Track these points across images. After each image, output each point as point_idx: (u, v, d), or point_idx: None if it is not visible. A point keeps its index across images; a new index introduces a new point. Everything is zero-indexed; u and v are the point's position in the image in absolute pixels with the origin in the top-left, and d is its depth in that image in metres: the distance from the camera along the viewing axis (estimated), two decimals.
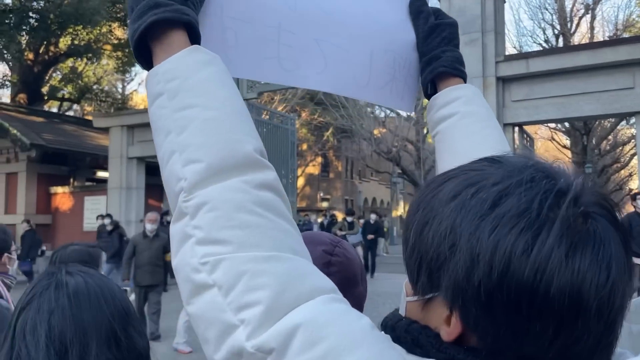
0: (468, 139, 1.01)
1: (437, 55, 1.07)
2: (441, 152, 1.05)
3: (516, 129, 9.08)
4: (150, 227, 7.35)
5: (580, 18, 23.11)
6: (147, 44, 0.76)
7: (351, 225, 14.74)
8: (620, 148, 26.24)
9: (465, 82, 1.08)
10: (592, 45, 9.74)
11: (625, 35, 20.80)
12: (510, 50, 18.75)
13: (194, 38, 0.76)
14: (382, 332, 0.62)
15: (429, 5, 1.15)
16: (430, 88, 1.10)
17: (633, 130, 8.58)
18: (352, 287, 1.12)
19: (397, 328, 0.63)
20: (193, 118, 0.68)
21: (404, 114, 26.35)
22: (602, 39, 19.92)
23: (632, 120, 8.73)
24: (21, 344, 0.95)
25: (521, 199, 0.54)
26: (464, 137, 1.02)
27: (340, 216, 28.71)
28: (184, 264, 0.62)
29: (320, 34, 1.01)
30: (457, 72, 1.06)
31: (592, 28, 22.83)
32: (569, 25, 22.87)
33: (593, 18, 22.75)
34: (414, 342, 0.60)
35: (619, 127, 23.84)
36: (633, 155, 24.36)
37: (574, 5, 23.07)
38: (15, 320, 0.99)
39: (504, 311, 0.53)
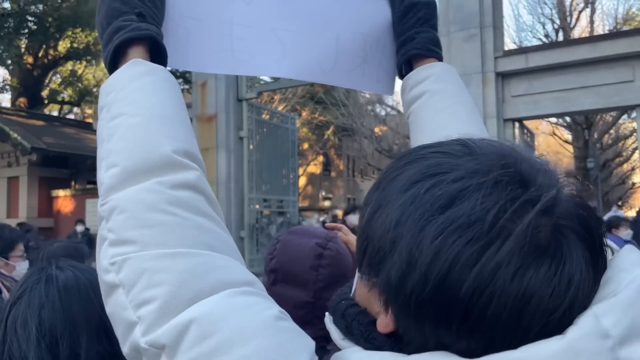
0: (435, 117, 0.99)
1: (411, 37, 1.05)
2: (413, 133, 1.04)
3: (517, 124, 9.07)
4: None
5: (580, 12, 23.06)
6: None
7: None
8: (622, 142, 26.17)
9: (440, 61, 1.06)
10: (591, 39, 9.72)
11: (625, 28, 20.76)
12: (510, 45, 18.75)
13: (158, 48, 0.83)
14: (291, 323, 0.59)
15: None
16: (405, 70, 1.09)
17: (634, 124, 8.56)
18: (342, 283, 1.12)
19: (337, 310, 0.63)
20: (119, 126, 0.71)
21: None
22: (602, 33, 19.89)
23: (633, 114, 8.71)
24: (12, 338, 0.95)
25: (476, 205, 0.49)
26: (432, 115, 1.00)
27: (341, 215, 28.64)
28: (99, 267, 0.64)
29: (277, 23, 1.01)
30: (431, 53, 1.05)
31: (592, 22, 22.80)
32: (568, 19, 22.83)
33: (593, 12, 22.71)
34: (347, 329, 0.60)
35: (620, 121, 23.79)
36: (635, 149, 24.34)
37: None
38: (7, 315, 0.99)
39: (433, 325, 0.50)
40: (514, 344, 0.48)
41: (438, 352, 0.50)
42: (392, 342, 0.55)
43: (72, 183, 17.17)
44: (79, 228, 12.68)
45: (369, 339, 0.57)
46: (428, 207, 0.51)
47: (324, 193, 34.28)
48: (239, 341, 0.53)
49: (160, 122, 0.71)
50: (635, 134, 16.17)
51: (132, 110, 0.72)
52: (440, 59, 1.06)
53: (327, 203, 32.67)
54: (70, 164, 16.88)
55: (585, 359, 0.46)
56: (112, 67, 0.80)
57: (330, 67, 1.07)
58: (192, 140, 0.74)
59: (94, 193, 16.14)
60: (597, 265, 0.52)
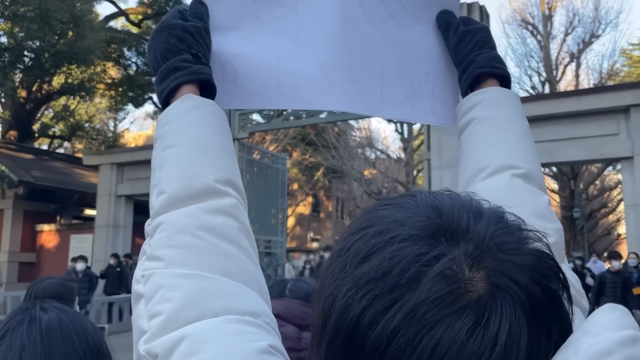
0: (477, 145, 0.94)
1: (472, 59, 0.99)
2: (460, 165, 0.99)
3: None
4: None
5: (566, 66, 23.78)
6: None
7: None
8: (608, 193, 26.54)
9: (507, 80, 0.99)
10: (576, 93, 9.99)
11: (610, 83, 21.36)
12: None
13: (210, 89, 0.88)
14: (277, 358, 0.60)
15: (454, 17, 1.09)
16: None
17: (619, 176, 8.70)
18: None
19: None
20: (169, 156, 0.78)
21: (393, 155, 26.64)
22: (587, 87, 20.43)
23: (618, 166, 8.86)
24: None
25: (384, 260, 0.47)
26: (474, 143, 0.94)
27: None
28: (134, 276, 0.70)
29: (324, 58, 1.02)
30: (496, 70, 0.97)
31: (577, 76, 23.48)
32: (554, 72, 23.50)
33: (578, 66, 23.43)
34: None
35: (605, 173, 24.19)
36: (620, 200, 24.63)
37: (559, 53, 23.79)
38: None
39: None
40: None
41: None
42: None
43: (58, 218, 16.96)
44: (79, 266, 10.69)
45: None
46: (349, 260, 0.50)
47: (312, 234, 34.13)
48: None
49: (205, 152, 0.77)
50: (620, 185, 16.42)
51: (181, 142, 0.78)
52: (505, 76, 0.99)
53: (315, 244, 32.48)
54: (57, 199, 16.72)
55: None
56: (166, 102, 0.86)
57: (378, 100, 1.07)
58: (234, 170, 0.79)
59: (79, 228, 15.94)
60: (549, 332, 0.47)
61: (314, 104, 1.04)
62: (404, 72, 1.08)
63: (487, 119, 0.94)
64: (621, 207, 25.50)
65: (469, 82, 0.99)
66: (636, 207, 8.43)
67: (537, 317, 0.46)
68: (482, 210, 0.52)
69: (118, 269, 12.38)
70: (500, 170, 0.86)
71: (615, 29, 35.26)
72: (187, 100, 0.83)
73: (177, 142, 0.78)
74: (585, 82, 23.32)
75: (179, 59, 0.86)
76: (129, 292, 9.49)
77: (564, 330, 0.48)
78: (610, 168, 22.46)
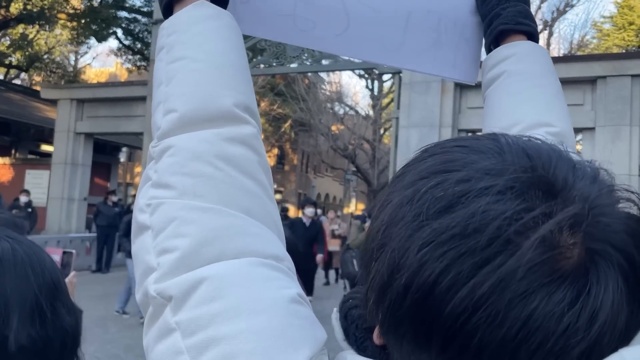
0: (508, 100, 0.88)
1: (498, 13, 0.93)
2: (484, 119, 0.94)
3: (469, 135, 9.27)
4: None
5: (539, 33, 23.84)
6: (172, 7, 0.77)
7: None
8: None
9: (534, 36, 0.93)
10: (567, 59, 10.01)
11: (579, 54, 21.61)
12: None
13: (221, 2, 0.77)
14: (306, 310, 0.54)
15: None
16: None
17: (579, 147, 8.92)
18: None
19: (342, 308, 0.60)
20: (180, 70, 0.68)
21: (362, 112, 26.57)
22: (557, 56, 20.63)
23: (579, 136, 9.06)
24: None
25: (475, 214, 0.41)
26: (504, 98, 0.89)
27: (293, 210, 28.66)
28: (136, 204, 0.62)
29: None
30: (521, 27, 0.91)
31: (548, 44, 23.61)
32: None
33: (550, 34, 23.54)
34: (344, 331, 0.57)
35: None
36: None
37: None
38: None
39: (410, 347, 0.44)
40: None
41: None
42: (384, 355, 0.50)
43: (13, 151, 16.34)
44: (23, 198, 12.12)
45: (361, 347, 0.54)
46: (424, 209, 0.44)
47: (276, 186, 34.13)
48: (242, 313, 0.49)
49: (223, 71, 0.68)
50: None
51: (194, 55, 0.68)
52: (533, 33, 0.93)
53: (278, 196, 32.55)
54: (12, 131, 16.07)
55: None
56: (168, 8, 0.76)
57: (397, 47, 0.98)
58: (251, 95, 0.69)
59: (35, 163, 15.43)
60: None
61: (325, 46, 0.95)
62: (431, 16, 0.99)
63: (520, 74, 0.89)
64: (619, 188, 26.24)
65: (492, 38, 0.94)
66: None
67: (639, 289, 0.42)
68: (577, 164, 0.46)
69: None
70: (534, 126, 0.81)
71: (590, 0, 35.50)
72: (201, 8, 0.72)
73: (190, 54, 0.68)
74: (556, 52, 23.56)
75: None
76: None
77: None
78: None
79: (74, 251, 2.02)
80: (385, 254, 0.45)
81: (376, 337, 0.50)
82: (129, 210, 11.87)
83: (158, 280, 0.54)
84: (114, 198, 13.14)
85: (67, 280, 2.08)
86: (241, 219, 0.57)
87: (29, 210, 11.99)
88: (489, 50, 0.96)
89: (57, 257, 2.04)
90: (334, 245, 11.89)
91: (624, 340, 0.41)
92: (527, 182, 0.43)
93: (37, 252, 0.95)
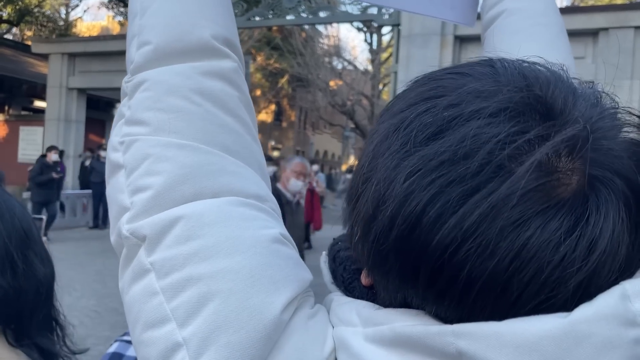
0: (509, 39, 0.83)
1: None
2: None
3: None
4: None
5: None
6: None
7: None
8: None
9: None
10: (570, 10, 9.79)
11: (582, 5, 21.14)
12: None
13: None
14: (289, 250, 0.52)
15: None
16: None
17: None
18: None
19: (330, 251, 0.58)
20: (154, 0, 0.62)
21: (361, 67, 26.20)
22: (560, 7, 20.17)
23: None
24: None
25: (465, 138, 0.38)
26: (506, 37, 0.84)
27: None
28: (109, 143, 0.58)
29: None
30: None
31: None
32: None
33: None
34: (333, 273, 0.54)
35: None
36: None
37: None
38: None
39: (398, 282, 0.42)
40: (499, 319, 0.38)
41: (411, 309, 0.43)
42: (371, 295, 0.48)
43: (6, 108, 16.16)
44: (54, 156, 10.57)
45: (349, 288, 0.52)
46: (412, 136, 0.41)
47: (273, 142, 34.04)
48: (219, 252, 0.46)
49: (201, 1, 0.63)
50: None
51: None
52: None
53: (275, 153, 32.50)
54: (4, 88, 15.84)
55: (590, 350, 0.35)
56: None
57: None
58: (232, 28, 0.65)
59: (28, 120, 15.29)
60: None
61: None
62: None
63: (520, 11, 0.85)
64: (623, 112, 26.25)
65: None
66: None
67: None
68: (577, 88, 0.43)
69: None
70: None
71: None
72: None
73: None
74: (559, 2, 23.03)
75: None
76: None
77: None
78: None
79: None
80: (371, 186, 0.43)
81: (364, 278, 0.49)
82: None
83: (131, 220, 0.51)
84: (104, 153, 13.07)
85: None
86: (220, 156, 0.53)
87: (58, 169, 10.74)
88: None
89: None
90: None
91: (625, 272, 0.39)
92: (522, 103, 0.39)
93: (7, 200, 0.91)
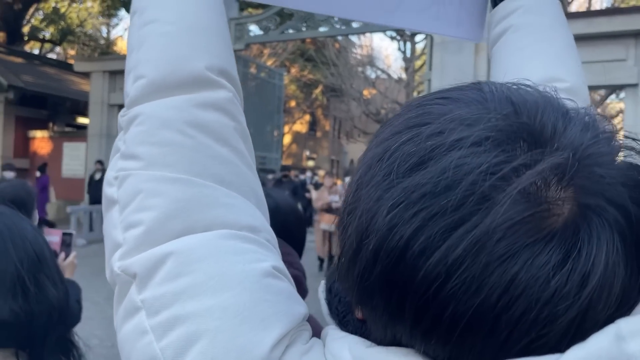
0: (514, 56, 0.82)
1: None
2: (491, 78, 0.88)
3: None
4: None
5: None
6: None
7: None
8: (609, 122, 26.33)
9: None
10: (588, 14, 9.56)
11: (623, 7, 20.54)
12: None
13: None
14: (282, 283, 0.50)
15: None
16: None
17: (622, 105, 8.53)
18: None
19: (328, 281, 0.58)
20: (150, 34, 0.63)
21: (394, 75, 26.08)
22: (598, 9, 19.66)
23: (622, 94, 8.65)
24: None
25: (447, 169, 0.37)
26: (511, 53, 0.83)
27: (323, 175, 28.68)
28: (106, 177, 0.59)
29: None
30: None
31: None
32: None
33: None
34: (329, 304, 0.54)
35: (608, 101, 23.86)
36: (620, 129, 24.47)
37: None
38: None
39: (386, 318, 0.41)
40: (490, 359, 0.36)
41: (402, 348, 0.41)
42: (365, 329, 0.47)
43: (50, 125, 16.76)
44: (98, 175, 10.36)
45: (343, 322, 0.52)
46: (395, 167, 0.40)
47: (308, 152, 34.16)
48: (208, 289, 0.45)
49: (196, 32, 0.63)
50: (621, 114, 16.18)
51: (165, 17, 0.63)
52: None
53: (310, 163, 32.62)
54: (49, 105, 16.42)
55: None
56: None
57: (395, 5, 0.92)
58: (228, 57, 0.65)
59: (71, 136, 15.80)
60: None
61: (321, 6, 0.89)
62: None
63: (526, 27, 0.84)
64: (621, 136, 25.38)
65: None
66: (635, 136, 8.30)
67: (638, 248, 0.37)
68: (570, 111, 0.41)
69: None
70: (542, 83, 0.76)
71: None
72: None
73: (161, 17, 0.63)
74: (598, 5, 22.42)
75: None
76: None
77: None
78: (613, 96, 22.14)
79: (73, 232, 2.04)
80: (355, 218, 0.42)
81: (356, 311, 0.47)
82: None
83: (123, 257, 0.51)
84: None
85: (68, 260, 2.09)
86: (212, 188, 0.53)
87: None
88: (494, 5, 0.89)
89: (56, 238, 2.07)
90: (327, 223, 8.61)
91: (622, 306, 0.37)
92: (508, 131, 0.38)
93: (18, 223, 0.93)
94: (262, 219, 0.55)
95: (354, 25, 9.59)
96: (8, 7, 18.66)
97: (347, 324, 0.51)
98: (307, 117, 33.07)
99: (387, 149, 0.41)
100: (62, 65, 19.38)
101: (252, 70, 11.73)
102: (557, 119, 0.39)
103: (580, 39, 8.38)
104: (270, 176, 10.96)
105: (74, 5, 22.04)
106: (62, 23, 22.02)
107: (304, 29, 9.82)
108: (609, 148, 0.39)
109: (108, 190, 0.56)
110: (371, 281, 0.40)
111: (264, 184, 0.65)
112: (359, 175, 0.43)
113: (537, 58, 0.80)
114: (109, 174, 0.57)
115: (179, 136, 0.55)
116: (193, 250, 0.48)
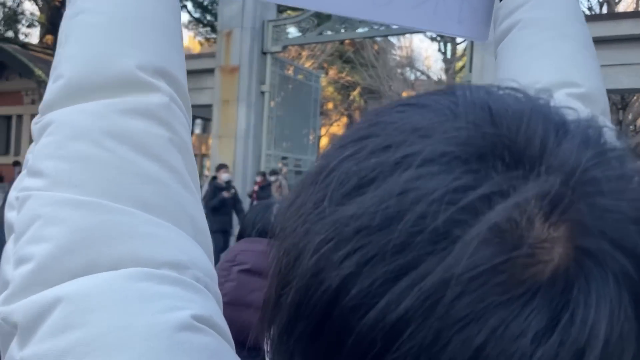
0: (523, 55, 0.73)
1: None
2: (498, 75, 0.79)
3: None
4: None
5: None
6: None
7: None
8: None
9: None
10: (636, 14, 9.19)
11: None
12: None
13: None
14: (203, 338, 0.39)
15: None
16: None
17: None
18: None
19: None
20: (77, 26, 0.53)
21: (434, 76, 25.76)
22: (628, 11, 18.93)
23: None
24: None
25: (389, 196, 0.28)
26: (519, 52, 0.74)
27: None
28: (7, 199, 0.48)
29: None
30: None
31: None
32: None
33: None
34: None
35: None
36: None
37: None
38: None
39: None
40: None
41: None
42: None
43: None
44: (225, 176, 8.71)
45: None
46: (329, 191, 0.30)
47: None
48: (100, 348, 0.35)
49: (130, 24, 0.52)
50: None
51: (97, 6, 0.53)
52: None
53: None
54: None
55: None
56: None
57: (386, 1, 0.86)
58: (170, 55, 0.54)
59: None
60: None
61: (308, 3, 0.86)
62: None
63: (537, 23, 0.74)
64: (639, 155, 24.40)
65: None
66: None
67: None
68: (567, 122, 0.30)
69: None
70: (552, 88, 0.67)
71: None
72: None
73: (91, 6, 0.53)
74: (623, 6, 21.56)
75: None
76: None
77: None
78: None
79: None
80: (277, 259, 0.33)
81: None
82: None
83: (6, 301, 0.40)
84: None
85: None
86: (129, 214, 0.42)
87: (232, 190, 8.71)
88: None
89: None
90: None
91: None
92: (477, 145, 0.28)
93: None
94: (195, 252, 0.44)
95: (394, 26, 9.52)
96: (56, 11, 19.37)
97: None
98: (345, 120, 33.05)
99: (324, 167, 0.32)
100: None
101: (289, 72, 11.78)
102: (548, 131, 0.29)
103: (627, 40, 8.06)
104: None
105: None
106: None
107: (342, 30, 9.81)
108: (620, 171, 0.28)
109: (8, 215, 0.46)
110: (290, 345, 0.31)
111: None
112: (291, 199, 0.34)
113: (548, 58, 0.71)
114: (11, 195, 0.46)
115: (94, 149, 0.45)
116: (88, 295, 0.37)
